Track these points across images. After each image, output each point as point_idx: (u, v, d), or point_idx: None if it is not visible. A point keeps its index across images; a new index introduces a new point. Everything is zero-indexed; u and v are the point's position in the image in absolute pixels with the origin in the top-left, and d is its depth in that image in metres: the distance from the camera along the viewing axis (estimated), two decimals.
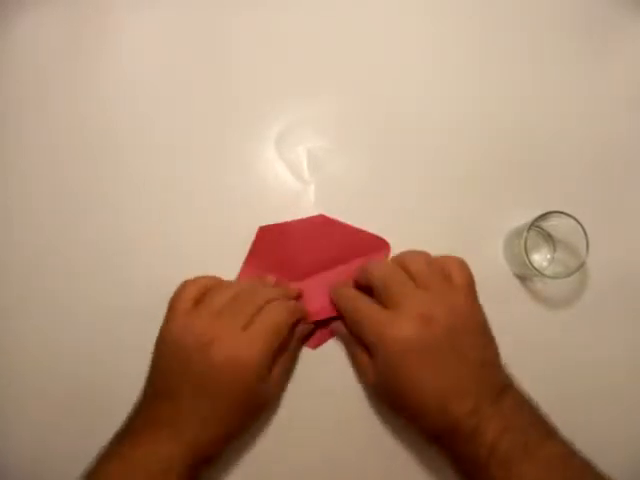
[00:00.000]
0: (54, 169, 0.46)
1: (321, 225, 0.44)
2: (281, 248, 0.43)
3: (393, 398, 0.36)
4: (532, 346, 0.44)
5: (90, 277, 0.44)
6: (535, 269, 0.40)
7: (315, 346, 0.42)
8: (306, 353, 0.42)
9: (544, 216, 0.40)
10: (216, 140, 0.47)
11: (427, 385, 0.33)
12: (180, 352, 0.35)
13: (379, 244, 0.44)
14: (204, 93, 0.48)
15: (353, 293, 0.39)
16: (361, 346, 0.38)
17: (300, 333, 0.40)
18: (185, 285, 0.38)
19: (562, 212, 0.40)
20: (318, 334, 0.42)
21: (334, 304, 0.41)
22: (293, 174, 0.46)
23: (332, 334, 0.42)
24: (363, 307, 0.37)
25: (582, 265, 0.40)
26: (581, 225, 0.40)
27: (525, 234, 0.40)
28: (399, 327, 0.34)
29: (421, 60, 0.50)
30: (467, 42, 0.51)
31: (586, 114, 0.49)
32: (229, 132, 0.48)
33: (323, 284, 0.42)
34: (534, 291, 0.45)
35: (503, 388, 0.34)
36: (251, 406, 0.36)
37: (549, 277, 0.41)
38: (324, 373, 0.42)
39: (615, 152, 0.48)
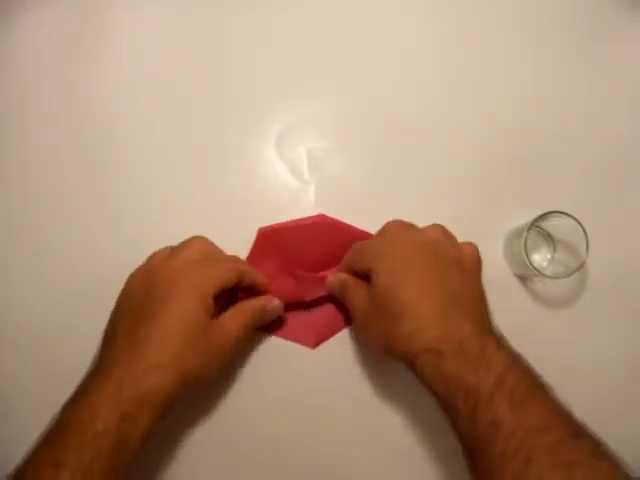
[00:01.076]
0: (54, 169, 0.46)
1: (321, 225, 0.44)
2: (281, 248, 0.43)
3: (389, 308, 0.33)
4: (532, 346, 0.43)
5: (90, 276, 0.44)
6: (535, 269, 0.40)
7: (315, 345, 0.42)
8: (306, 353, 0.42)
9: (544, 216, 0.40)
10: (216, 140, 0.47)
11: (431, 288, 0.32)
12: (128, 290, 0.36)
13: None
14: (204, 93, 0.48)
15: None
16: (357, 277, 0.38)
17: (264, 303, 0.39)
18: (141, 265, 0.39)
19: (562, 212, 0.40)
20: (317, 332, 0.42)
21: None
22: (293, 174, 0.46)
23: (331, 330, 0.42)
24: (368, 240, 0.40)
25: (582, 265, 0.40)
26: (581, 225, 0.40)
27: (525, 234, 0.40)
28: (410, 237, 0.36)
29: (421, 60, 0.50)
30: (467, 42, 0.51)
31: (586, 114, 0.49)
32: (229, 132, 0.48)
33: (322, 282, 0.42)
34: (534, 291, 0.45)
35: (500, 334, 0.33)
36: (191, 334, 0.33)
37: (549, 277, 0.41)
38: (323, 373, 0.42)
39: (615, 152, 0.48)
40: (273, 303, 0.39)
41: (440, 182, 0.47)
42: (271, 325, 0.42)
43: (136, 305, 0.34)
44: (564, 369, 0.44)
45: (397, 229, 0.39)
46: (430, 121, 0.48)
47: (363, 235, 0.44)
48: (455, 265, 0.35)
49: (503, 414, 0.27)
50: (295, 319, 0.42)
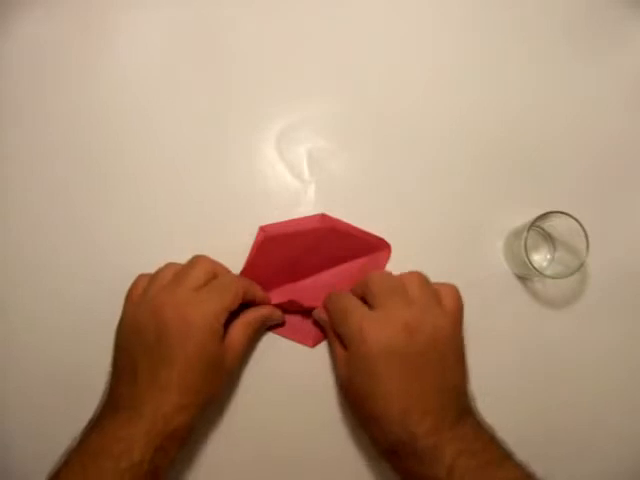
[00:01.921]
0: (54, 169, 0.46)
1: (322, 224, 0.44)
2: (282, 247, 0.43)
3: (358, 398, 0.35)
4: (532, 346, 0.44)
5: (90, 277, 0.44)
6: (535, 269, 0.40)
7: (314, 344, 0.42)
8: (305, 350, 0.42)
9: (544, 216, 0.40)
10: (216, 140, 0.47)
11: (394, 392, 0.33)
12: (136, 325, 0.36)
13: (380, 245, 0.44)
14: (204, 93, 0.48)
15: (346, 293, 0.40)
16: (339, 339, 0.38)
17: (266, 312, 0.41)
18: (138, 276, 0.40)
19: (562, 212, 0.40)
20: (316, 332, 0.42)
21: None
22: (293, 174, 0.46)
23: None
24: (351, 302, 0.38)
25: (582, 265, 0.40)
26: (581, 225, 0.40)
27: (525, 234, 0.40)
28: (382, 327, 0.35)
29: (421, 61, 0.50)
30: (467, 42, 0.51)
31: (586, 114, 0.49)
32: (229, 132, 0.48)
33: (322, 283, 0.42)
34: (534, 291, 0.45)
35: (462, 413, 0.34)
36: (208, 366, 0.35)
37: (549, 277, 0.41)
38: (323, 370, 0.42)
39: (615, 152, 0.48)
40: (276, 313, 0.42)
41: (440, 182, 0.47)
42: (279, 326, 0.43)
43: (151, 344, 0.35)
44: (564, 369, 0.44)
45: (380, 299, 0.36)
46: (430, 121, 0.49)
47: (364, 235, 0.44)
48: (432, 351, 0.35)
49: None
50: (295, 318, 0.43)
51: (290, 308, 0.42)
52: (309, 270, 0.43)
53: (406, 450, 0.32)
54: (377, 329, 0.35)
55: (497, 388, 0.42)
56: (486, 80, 0.50)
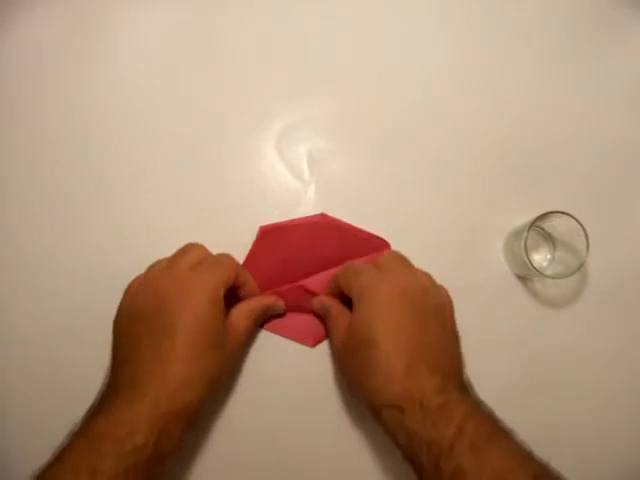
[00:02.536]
0: (53, 169, 0.46)
1: (322, 224, 0.44)
2: (282, 246, 0.43)
3: (360, 350, 0.34)
4: (532, 346, 0.44)
5: (89, 277, 0.44)
6: (535, 269, 0.40)
7: (314, 344, 0.42)
8: (306, 351, 0.42)
9: (544, 216, 0.40)
10: (216, 140, 0.47)
11: (402, 342, 0.33)
12: (135, 309, 0.36)
13: (380, 244, 0.44)
14: (204, 93, 0.48)
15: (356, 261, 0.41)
16: (341, 303, 0.39)
17: (269, 301, 0.40)
18: (135, 277, 0.39)
19: (562, 212, 0.40)
20: (316, 332, 0.42)
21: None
22: (293, 174, 0.46)
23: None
24: (364, 265, 0.39)
25: (582, 265, 0.40)
26: (581, 225, 0.40)
27: (525, 234, 0.40)
28: (395, 281, 0.36)
29: (421, 61, 0.50)
30: (467, 43, 0.51)
31: (587, 114, 0.49)
32: (229, 132, 0.48)
33: (322, 281, 0.42)
34: (534, 291, 0.45)
35: (465, 384, 0.34)
36: (209, 336, 0.34)
37: (549, 277, 0.41)
38: (323, 370, 0.42)
39: (615, 152, 0.48)
40: (279, 303, 0.41)
41: (441, 182, 0.47)
42: (272, 323, 0.42)
43: (152, 319, 0.34)
44: (564, 369, 0.44)
45: (391, 265, 0.38)
46: (431, 122, 0.48)
47: (364, 235, 0.44)
48: (435, 316, 0.36)
49: (465, 462, 0.28)
50: (295, 318, 0.43)
51: (291, 297, 0.42)
52: (308, 269, 0.43)
53: (412, 404, 0.30)
54: (390, 283, 0.35)
55: (497, 388, 0.41)
56: (487, 80, 0.50)
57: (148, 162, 0.47)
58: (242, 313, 0.38)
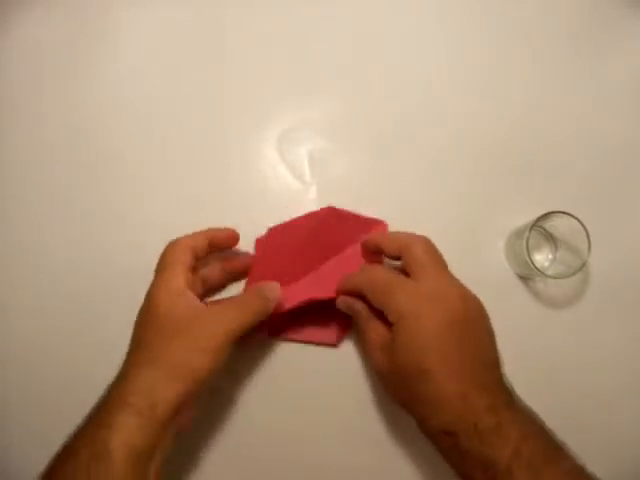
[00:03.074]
0: (53, 169, 0.46)
1: (330, 214, 0.42)
2: (290, 241, 0.42)
3: (407, 379, 0.32)
4: (533, 346, 0.44)
5: (89, 277, 0.44)
6: (537, 269, 0.40)
7: (338, 341, 0.41)
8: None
9: (546, 216, 0.40)
10: (217, 142, 0.47)
11: (452, 368, 0.31)
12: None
13: (376, 223, 0.43)
14: (205, 94, 0.48)
15: (377, 266, 0.38)
16: (379, 320, 0.36)
17: (248, 318, 0.36)
18: None
19: (564, 212, 0.40)
20: (337, 327, 0.41)
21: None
22: (295, 175, 0.46)
23: (350, 322, 0.41)
24: (391, 275, 0.35)
25: (584, 265, 0.40)
26: (583, 225, 0.40)
27: (527, 234, 0.40)
28: (437, 300, 0.33)
29: (422, 61, 0.50)
30: (467, 43, 0.51)
31: (588, 114, 0.49)
32: (230, 133, 0.47)
33: (331, 272, 0.41)
34: (536, 291, 0.45)
35: (512, 393, 0.33)
36: (168, 322, 0.33)
37: (551, 277, 0.41)
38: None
39: (617, 152, 0.48)
40: (268, 287, 0.38)
41: (442, 182, 0.47)
42: (288, 331, 0.41)
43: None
44: (565, 369, 0.44)
45: (425, 268, 0.35)
46: (431, 122, 0.48)
47: (360, 219, 0.43)
48: (477, 327, 0.34)
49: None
50: (311, 320, 0.41)
51: (303, 304, 0.39)
52: (314, 261, 0.42)
53: (466, 429, 0.30)
54: (431, 303, 0.33)
55: None
56: (487, 80, 0.50)
57: (148, 162, 0.47)
58: (221, 311, 0.35)
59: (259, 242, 0.43)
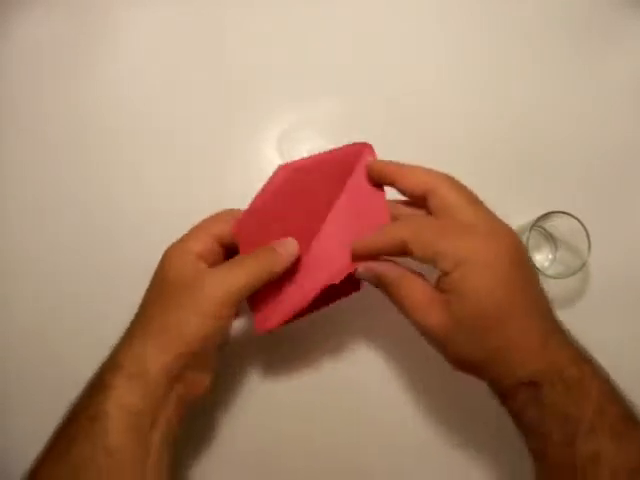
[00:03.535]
0: (53, 169, 0.46)
1: (284, 172, 0.36)
2: (265, 229, 0.35)
3: (484, 332, 0.28)
4: None
5: (90, 277, 0.44)
6: (537, 269, 0.40)
7: (362, 286, 0.35)
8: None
9: (546, 216, 0.40)
10: (217, 141, 0.47)
11: (527, 310, 0.28)
12: None
13: (358, 150, 0.35)
14: (205, 94, 0.48)
15: (418, 212, 0.33)
16: (422, 279, 0.31)
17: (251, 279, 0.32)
18: None
19: (564, 212, 0.40)
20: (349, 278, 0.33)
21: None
22: None
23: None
24: (439, 221, 0.31)
25: (584, 265, 0.40)
26: (583, 225, 0.40)
27: (527, 234, 0.40)
28: (495, 239, 0.29)
29: (422, 62, 0.50)
30: (467, 43, 0.51)
31: (588, 114, 0.49)
32: (230, 133, 0.47)
33: (333, 239, 0.34)
34: None
35: (580, 345, 0.30)
36: (171, 284, 0.32)
37: (551, 277, 0.41)
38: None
39: (617, 152, 0.48)
40: (285, 247, 0.33)
41: None
42: (297, 308, 0.34)
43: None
44: None
45: (475, 211, 0.31)
46: (432, 122, 0.48)
47: (336, 154, 0.36)
48: (529, 264, 0.31)
49: (605, 448, 0.26)
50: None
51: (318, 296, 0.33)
52: (308, 231, 0.35)
53: (551, 379, 0.27)
54: (488, 243, 0.29)
55: None
56: (487, 80, 0.50)
57: (148, 162, 0.47)
58: (226, 270, 0.32)
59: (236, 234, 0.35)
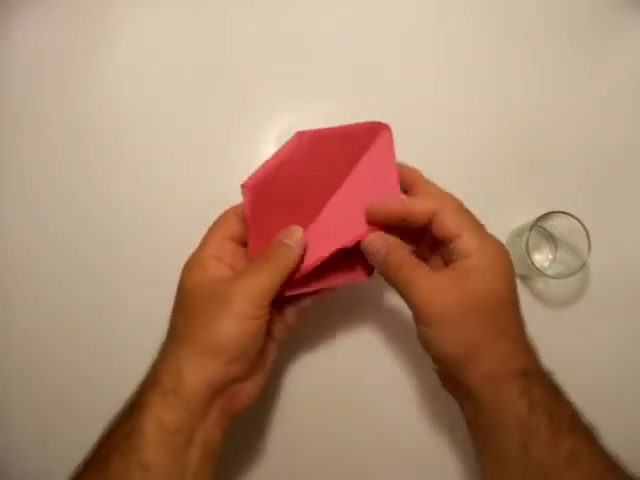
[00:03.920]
0: (53, 169, 0.46)
1: (300, 141, 0.35)
2: (275, 187, 0.34)
3: (486, 323, 0.29)
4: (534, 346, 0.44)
5: (91, 278, 0.44)
6: (537, 269, 0.40)
7: (370, 274, 0.35)
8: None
9: (546, 216, 0.40)
10: (217, 141, 0.47)
11: (519, 314, 0.31)
12: None
13: (375, 129, 0.37)
14: (204, 94, 0.48)
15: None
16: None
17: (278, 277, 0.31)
18: None
19: (564, 212, 0.40)
20: (364, 259, 0.34)
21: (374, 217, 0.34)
22: None
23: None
24: (459, 202, 0.34)
25: (584, 265, 0.40)
26: (583, 225, 0.40)
27: (527, 234, 0.40)
28: (500, 246, 0.32)
29: (422, 62, 0.50)
30: (467, 43, 0.51)
31: (588, 114, 0.49)
32: (229, 133, 0.47)
33: (343, 210, 0.35)
34: (536, 291, 0.45)
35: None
36: (197, 295, 0.31)
37: (551, 277, 0.41)
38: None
39: (617, 152, 0.48)
40: (287, 234, 0.33)
41: (442, 182, 0.46)
42: (312, 282, 0.34)
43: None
44: (565, 369, 0.44)
45: (495, 248, 0.32)
46: (432, 122, 0.48)
47: (354, 129, 0.36)
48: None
49: (582, 447, 0.27)
50: (332, 263, 0.34)
51: (330, 255, 0.33)
52: (319, 199, 0.35)
53: (537, 373, 0.31)
54: (499, 245, 0.32)
55: None
56: (487, 80, 0.50)
57: (148, 162, 0.47)
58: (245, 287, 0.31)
59: (250, 201, 0.34)
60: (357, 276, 0.35)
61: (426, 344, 0.31)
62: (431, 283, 0.30)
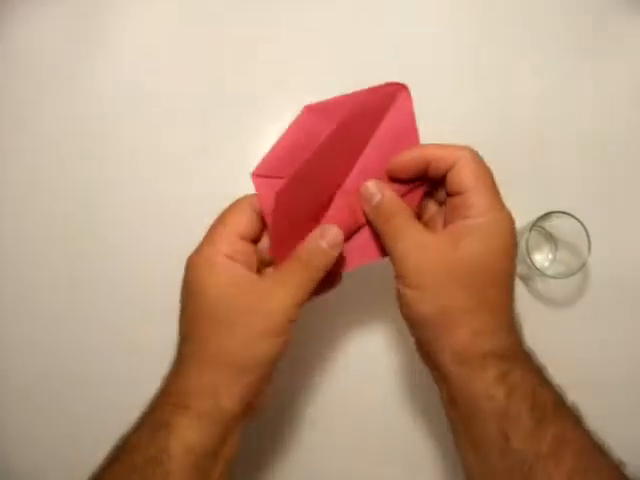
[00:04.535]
0: (53, 169, 0.46)
1: (314, 117, 0.33)
2: (299, 187, 0.31)
3: (469, 297, 0.28)
4: (533, 346, 0.43)
5: (91, 278, 0.44)
6: (537, 269, 0.40)
7: (384, 254, 0.32)
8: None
9: (546, 216, 0.40)
10: (217, 141, 0.47)
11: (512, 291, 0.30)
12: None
13: (392, 90, 0.34)
14: (205, 94, 0.48)
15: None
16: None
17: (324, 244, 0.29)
18: None
19: (564, 212, 0.40)
20: (376, 239, 0.32)
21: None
22: None
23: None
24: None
25: (584, 265, 0.40)
26: (583, 225, 0.40)
27: (527, 234, 0.40)
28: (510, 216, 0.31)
29: (422, 60, 0.50)
30: (468, 41, 0.51)
31: (589, 114, 0.49)
32: (229, 131, 0.47)
33: (368, 175, 0.32)
34: (535, 291, 0.45)
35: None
36: (212, 299, 0.28)
37: (551, 277, 0.41)
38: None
39: (617, 152, 0.48)
40: (330, 234, 0.30)
41: None
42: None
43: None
44: (565, 369, 0.44)
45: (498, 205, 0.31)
46: (431, 121, 0.48)
47: (369, 95, 0.35)
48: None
49: (568, 434, 0.27)
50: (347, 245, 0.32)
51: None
52: (339, 175, 0.32)
53: (520, 355, 0.30)
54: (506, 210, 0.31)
55: None
56: (488, 80, 0.50)
57: (148, 162, 0.47)
58: (278, 285, 0.29)
59: (264, 193, 0.32)
60: (371, 255, 0.32)
61: (401, 304, 0.29)
62: (419, 238, 0.29)
